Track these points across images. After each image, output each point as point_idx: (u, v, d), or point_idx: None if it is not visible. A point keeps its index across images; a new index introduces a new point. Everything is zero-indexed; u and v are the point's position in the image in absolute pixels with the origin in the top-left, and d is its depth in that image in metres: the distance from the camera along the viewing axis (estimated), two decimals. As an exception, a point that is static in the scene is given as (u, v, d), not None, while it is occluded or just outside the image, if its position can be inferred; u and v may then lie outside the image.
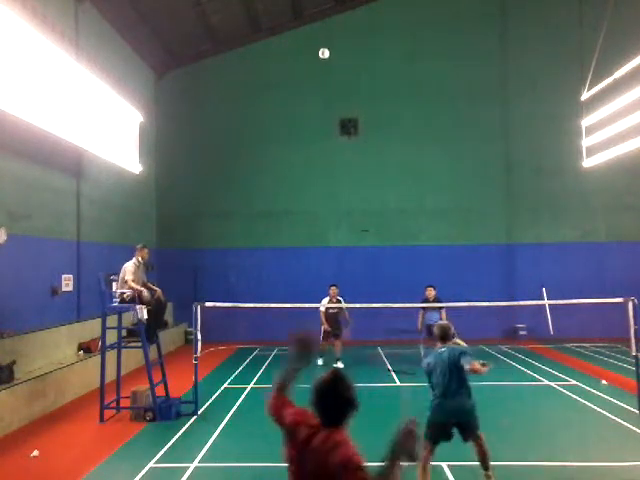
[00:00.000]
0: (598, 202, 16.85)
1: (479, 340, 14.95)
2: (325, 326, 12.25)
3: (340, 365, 12.51)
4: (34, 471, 6.15)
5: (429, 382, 5.50)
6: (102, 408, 8.10)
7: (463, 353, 5.33)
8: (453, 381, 5.27)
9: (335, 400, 2.39)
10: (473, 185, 17.08)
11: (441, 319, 11.62)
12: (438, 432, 5.30)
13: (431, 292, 12.14)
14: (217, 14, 15.59)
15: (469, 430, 5.33)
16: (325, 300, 12.24)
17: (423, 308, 11.95)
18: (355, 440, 2.45)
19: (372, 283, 16.53)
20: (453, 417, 5.29)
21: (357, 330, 15.26)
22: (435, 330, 5.75)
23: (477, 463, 6.04)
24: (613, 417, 7.80)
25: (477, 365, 5.14)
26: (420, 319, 12.06)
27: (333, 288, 12.38)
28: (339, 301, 12.28)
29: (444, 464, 5.96)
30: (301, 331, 2.95)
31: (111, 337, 8.51)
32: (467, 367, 5.18)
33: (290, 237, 17.28)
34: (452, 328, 5.74)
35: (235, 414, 8.39)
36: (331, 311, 12.29)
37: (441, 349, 5.54)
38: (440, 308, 11.73)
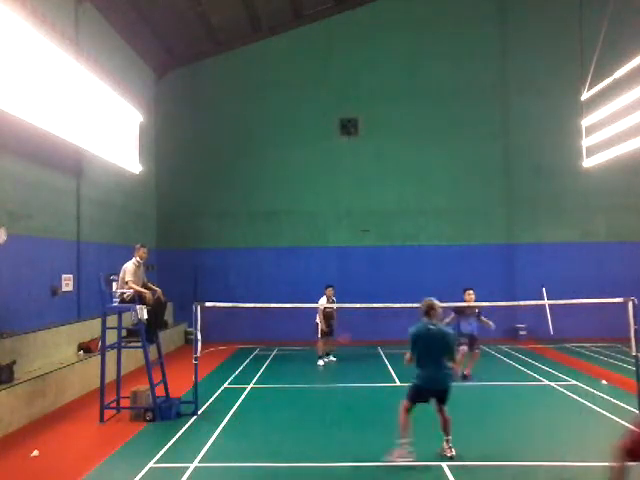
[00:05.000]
0: (598, 202, 16.86)
1: (479, 340, 14.93)
2: (323, 325, 12.45)
3: (333, 359, 12.69)
4: (34, 471, 6.14)
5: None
6: (102, 408, 8.09)
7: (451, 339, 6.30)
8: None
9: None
10: (473, 185, 17.08)
11: (479, 326, 10.59)
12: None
13: (472, 296, 10.44)
14: (217, 14, 15.59)
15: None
16: (323, 300, 12.44)
17: (457, 314, 10.55)
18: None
19: (372, 283, 16.55)
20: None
21: (357, 330, 15.31)
22: (421, 305, 6.36)
23: (477, 463, 6.06)
24: (613, 417, 7.80)
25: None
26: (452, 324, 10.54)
27: (330, 289, 12.64)
28: (333, 302, 12.56)
29: (444, 464, 5.96)
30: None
31: (111, 337, 8.50)
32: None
33: (290, 237, 17.29)
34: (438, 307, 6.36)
35: (235, 414, 8.38)
36: (328, 310, 12.50)
37: (429, 325, 6.20)
38: (479, 314, 10.61)
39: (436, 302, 6.34)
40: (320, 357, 12.58)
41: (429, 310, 6.27)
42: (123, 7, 13.79)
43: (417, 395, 6.20)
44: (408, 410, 6.14)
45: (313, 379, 11.04)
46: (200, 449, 6.67)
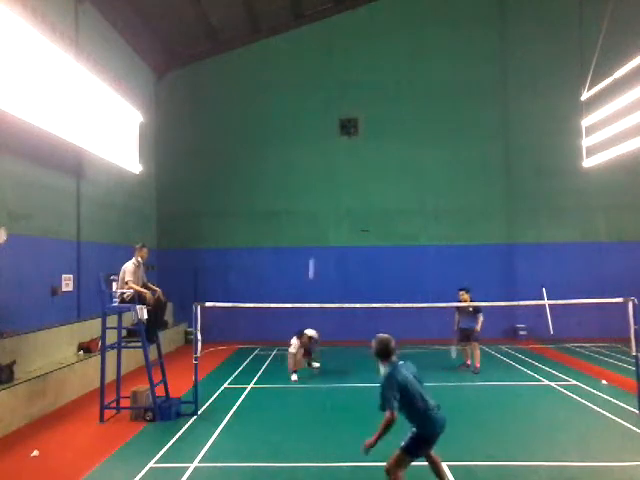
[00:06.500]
0: (598, 202, 16.86)
1: (479, 340, 14.95)
2: (292, 368, 10.86)
3: (316, 364, 11.94)
4: (34, 471, 6.14)
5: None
6: (102, 408, 8.10)
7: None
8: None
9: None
10: (473, 185, 17.08)
11: (477, 325, 11.19)
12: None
13: (465, 297, 11.21)
14: (217, 14, 15.60)
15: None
16: (295, 344, 10.91)
17: (458, 311, 11.44)
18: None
19: (372, 283, 16.55)
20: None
21: (357, 330, 15.32)
22: (374, 345, 5.05)
23: (477, 463, 6.06)
24: (613, 417, 7.80)
25: None
26: (455, 323, 11.54)
27: (305, 336, 11.02)
28: (316, 341, 11.36)
29: (444, 464, 5.95)
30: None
31: (111, 337, 8.50)
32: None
33: (290, 237, 17.29)
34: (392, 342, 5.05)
35: (235, 414, 8.38)
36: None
37: (400, 363, 5.01)
38: (476, 313, 11.18)
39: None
40: (295, 372, 10.84)
41: (391, 349, 5.00)
42: (123, 7, 13.80)
43: (422, 447, 4.92)
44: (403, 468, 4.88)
45: (313, 379, 11.03)
46: (200, 449, 6.67)
